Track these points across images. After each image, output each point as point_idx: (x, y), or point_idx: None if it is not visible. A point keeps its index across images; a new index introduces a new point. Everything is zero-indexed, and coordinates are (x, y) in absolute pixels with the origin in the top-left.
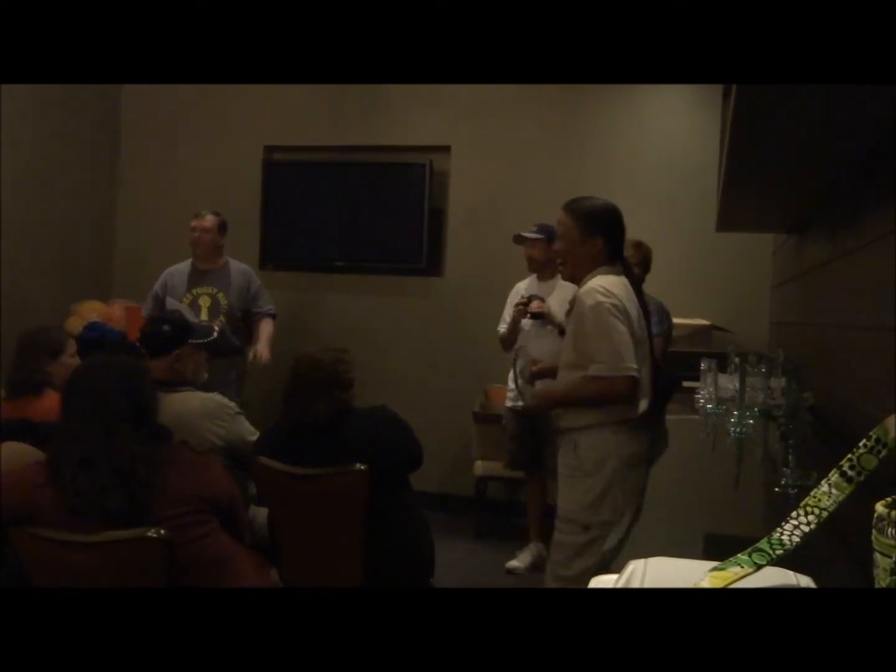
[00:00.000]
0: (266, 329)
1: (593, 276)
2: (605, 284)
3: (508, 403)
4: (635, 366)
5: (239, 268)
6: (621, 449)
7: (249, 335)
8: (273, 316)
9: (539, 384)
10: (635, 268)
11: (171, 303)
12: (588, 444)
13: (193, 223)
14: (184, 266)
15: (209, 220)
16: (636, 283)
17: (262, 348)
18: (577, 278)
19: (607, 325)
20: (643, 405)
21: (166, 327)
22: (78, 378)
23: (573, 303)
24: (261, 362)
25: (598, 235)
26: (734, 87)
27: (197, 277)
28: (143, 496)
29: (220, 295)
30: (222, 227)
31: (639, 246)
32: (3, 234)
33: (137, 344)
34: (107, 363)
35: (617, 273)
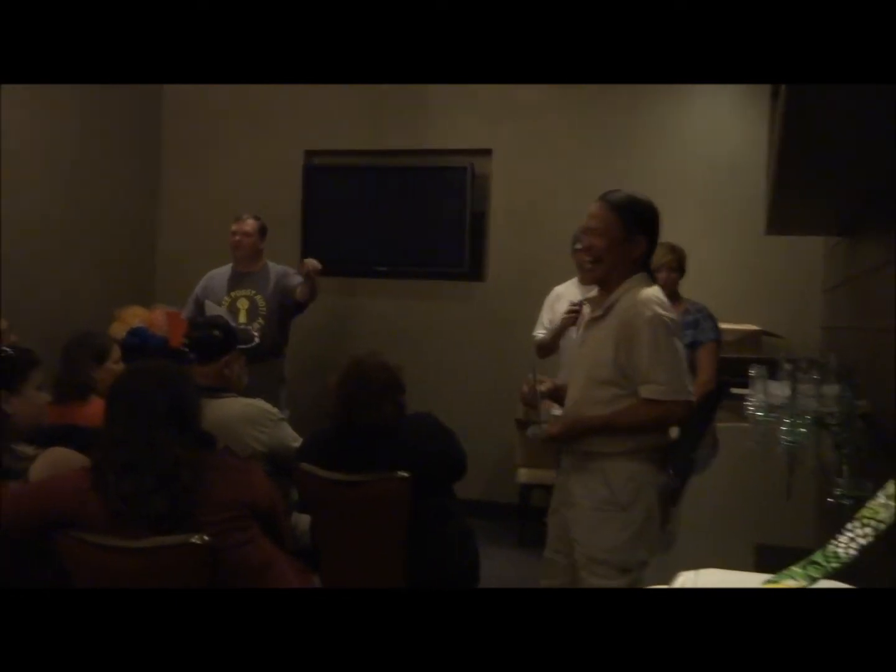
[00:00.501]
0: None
1: (632, 283)
2: (660, 296)
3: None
4: (692, 389)
5: (277, 269)
6: (657, 479)
7: (286, 339)
8: (299, 305)
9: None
10: (672, 273)
11: (210, 306)
12: (622, 474)
13: (234, 227)
14: (224, 270)
15: (249, 224)
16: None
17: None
18: (610, 283)
19: (667, 342)
20: (674, 431)
21: (216, 332)
22: (122, 383)
23: (609, 310)
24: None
25: (642, 235)
26: (784, 85)
27: (236, 280)
28: (186, 501)
29: (259, 297)
30: (262, 231)
31: (674, 249)
32: (47, 238)
33: (184, 348)
34: (150, 368)
35: (650, 282)
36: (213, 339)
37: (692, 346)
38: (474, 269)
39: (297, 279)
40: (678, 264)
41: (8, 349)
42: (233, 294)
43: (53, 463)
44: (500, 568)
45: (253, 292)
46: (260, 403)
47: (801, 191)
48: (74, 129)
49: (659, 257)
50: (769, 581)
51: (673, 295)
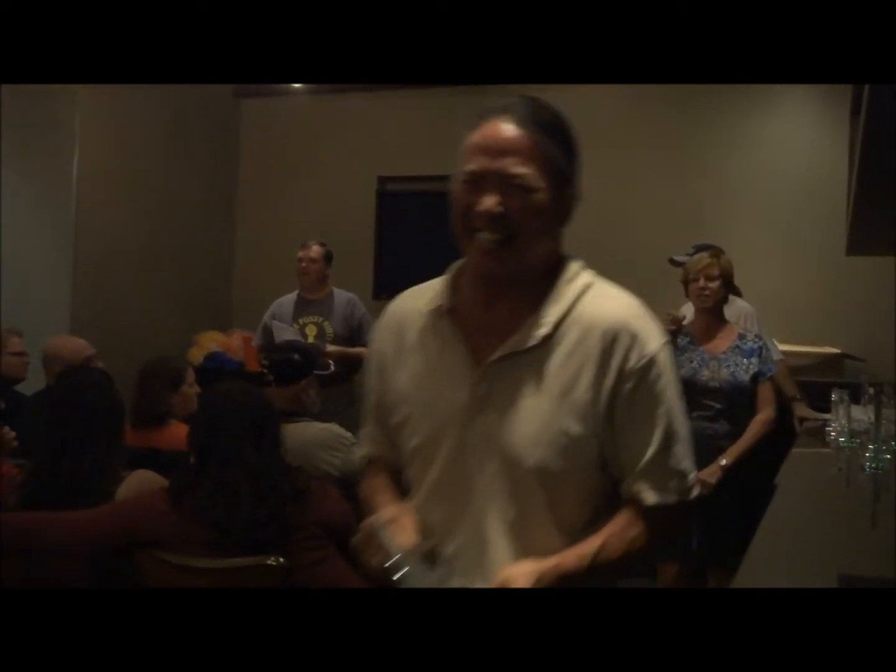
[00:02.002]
0: (356, 348)
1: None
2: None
3: None
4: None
5: (344, 296)
6: None
7: (356, 364)
8: None
9: None
10: (712, 283)
11: (279, 327)
12: None
13: (300, 254)
14: (290, 296)
15: (315, 251)
16: None
17: (336, 349)
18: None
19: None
20: None
21: (296, 356)
22: (205, 406)
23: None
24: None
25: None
26: (865, 98)
27: (303, 307)
28: (269, 524)
29: (326, 324)
30: (328, 257)
31: (716, 254)
32: (126, 264)
33: (262, 371)
34: (233, 391)
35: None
36: (293, 363)
37: (755, 380)
38: None
39: (362, 309)
40: (721, 273)
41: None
42: (301, 321)
43: (135, 485)
44: None
45: (321, 319)
46: (334, 428)
47: (882, 210)
48: (153, 157)
49: (694, 263)
50: None
51: (714, 315)
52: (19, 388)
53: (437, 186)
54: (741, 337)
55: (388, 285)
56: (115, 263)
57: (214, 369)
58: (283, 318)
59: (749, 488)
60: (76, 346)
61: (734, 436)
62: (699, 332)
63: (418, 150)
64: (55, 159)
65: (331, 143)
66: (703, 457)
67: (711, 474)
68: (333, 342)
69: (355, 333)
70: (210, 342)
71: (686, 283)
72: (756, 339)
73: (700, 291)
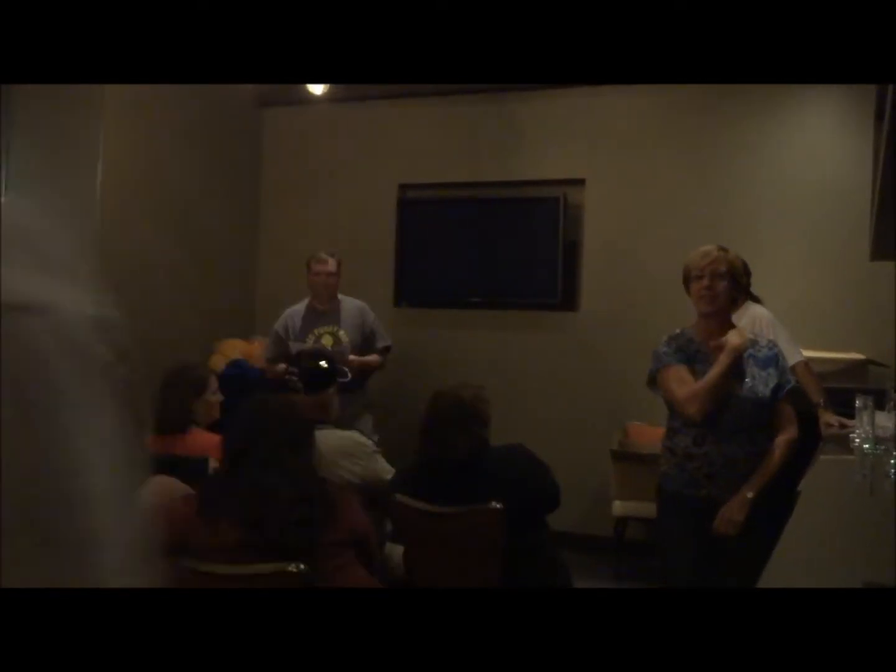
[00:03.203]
0: (371, 356)
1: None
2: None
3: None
4: None
5: (354, 304)
6: None
7: (366, 370)
8: (387, 349)
9: None
10: (719, 282)
11: (295, 347)
12: None
13: (316, 267)
14: (300, 308)
15: (332, 264)
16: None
17: (356, 359)
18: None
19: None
20: None
21: (324, 363)
22: (245, 412)
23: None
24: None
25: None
26: (889, 102)
27: (314, 317)
28: (301, 528)
29: (341, 332)
30: (340, 267)
31: (721, 251)
32: (150, 271)
33: (292, 378)
34: (272, 399)
35: None
36: (322, 371)
37: (775, 393)
38: (567, 300)
39: (372, 316)
40: (729, 269)
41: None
42: (316, 331)
43: (160, 491)
44: None
45: (335, 328)
46: (355, 436)
47: None
48: (176, 166)
49: (697, 258)
50: None
51: (721, 320)
52: None
53: (457, 193)
54: (753, 344)
55: (409, 292)
56: (138, 272)
57: (236, 377)
58: (296, 329)
59: (772, 497)
60: None
61: (754, 458)
62: (703, 339)
63: (439, 158)
64: (79, 168)
65: (352, 152)
66: (722, 483)
67: (740, 510)
68: (349, 351)
69: (367, 340)
70: (232, 350)
71: (687, 282)
72: (770, 346)
73: (705, 291)
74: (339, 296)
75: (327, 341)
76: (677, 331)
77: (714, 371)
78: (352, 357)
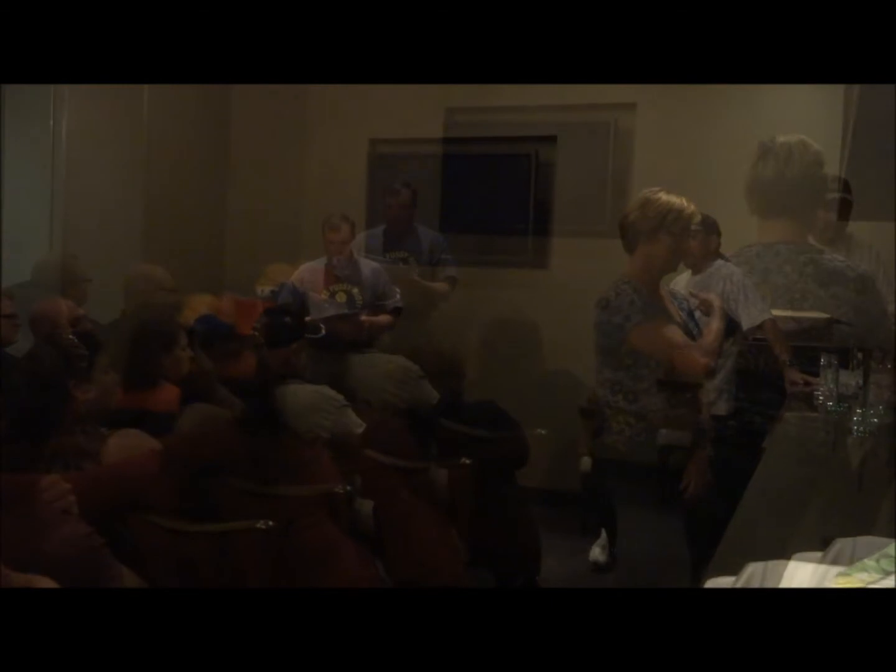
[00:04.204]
0: (383, 316)
1: None
2: None
3: None
4: None
5: (370, 265)
6: None
7: (377, 329)
8: (398, 310)
9: None
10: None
11: (314, 298)
12: None
13: (331, 236)
14: (317, 264)
15: (345, 231)
16: None
17: (367, 318)
18: None
19: None
20: None
21: (287, 319)
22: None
23: None
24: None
25: None
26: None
27: (331, 274)
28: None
29: (355, 291)
30: (353, 228)
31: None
32: (117, 227)
33: (254, 334)
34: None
35: None
36: (283, 326)
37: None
38: (538, 258)
39: (386, 278)
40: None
41: (72, 336)
42: (331, 288)
43: (127, 444)
44: (563, 557)
45: (349, 286)
46: (325, 390)
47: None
48: (145, 120)
49: (677, 208)
50: (841, 574)
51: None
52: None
53: (429, 149)
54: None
55: (379, 248)
56: (106, 227)
57: (205, 332)
58: (314, 284)
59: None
60: (62, 308)
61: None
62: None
63: (410, 112)
64: (46, 123)
65: (322, 108)
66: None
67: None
68: (361, 307)
69: (379, 300)
70: (201, 305)
71: (659, 229)
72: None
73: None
74: (357, 257)
75: (341, 298)
76: (625, 282)
77: (719, 324)
78: (364, 317)
